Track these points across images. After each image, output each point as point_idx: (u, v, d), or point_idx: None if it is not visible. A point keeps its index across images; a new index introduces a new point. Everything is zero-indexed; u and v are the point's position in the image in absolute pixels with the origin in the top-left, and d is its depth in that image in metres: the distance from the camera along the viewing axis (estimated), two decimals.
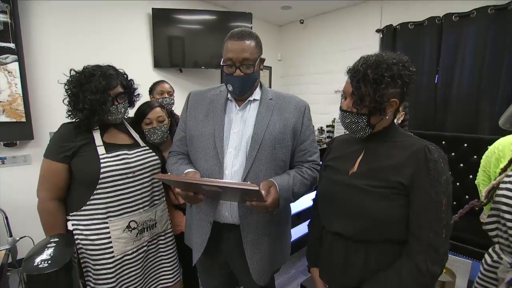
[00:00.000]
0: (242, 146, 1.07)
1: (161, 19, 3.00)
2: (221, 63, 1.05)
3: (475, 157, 2.32)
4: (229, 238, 1.10)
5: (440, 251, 0.72)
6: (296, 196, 1.08)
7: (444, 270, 1.37)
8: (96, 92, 1.09)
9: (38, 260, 0.84)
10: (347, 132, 0.89)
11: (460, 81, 2.76)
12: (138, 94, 1.34)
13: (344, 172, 0.89)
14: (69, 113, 1.12)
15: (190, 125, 1.14)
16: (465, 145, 2.39)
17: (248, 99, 1.12)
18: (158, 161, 1.27)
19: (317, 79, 4.02)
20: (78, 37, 2.56)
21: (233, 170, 1.06)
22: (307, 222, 1.17)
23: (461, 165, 2.39)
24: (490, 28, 2.58)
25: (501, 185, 0.85)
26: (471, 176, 2.33)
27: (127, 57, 2.88)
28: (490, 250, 0.96)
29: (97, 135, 1.14)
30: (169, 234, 1.35)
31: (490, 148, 0.94)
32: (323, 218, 0.96)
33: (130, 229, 1.14)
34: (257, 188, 0.79)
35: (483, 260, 0.97)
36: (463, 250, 1.95)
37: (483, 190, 0.89)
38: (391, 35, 3.18)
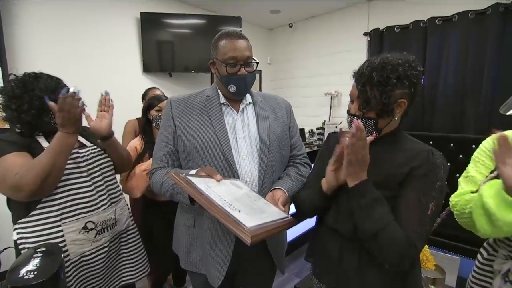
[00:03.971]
0: (254, 151, 1.05)
1: (149, 23, 2.98)
2: (223, 64, 0.99)
3: (461, 156, 2.38)
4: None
5: (418, 247, 0.73)
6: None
7: (434, 267, 1.40)
8: (45, 90, 1.04)
9: (23, 271, 0.81)
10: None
11: (446, 82, 2.83)
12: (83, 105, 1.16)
13: None
14: (9, 118, 1.05)
15: (184, 136, 1.03)
16: (452, 145, 2.45)
17: (245, 102, 1.11)
18: (109, 159, 1.24)
19: (307, 82, 4.06)
20: (65, 43, 2.52)
21: (252, 178, 1.04)
22: (298, 225, 1.17)
23: (448, 164, 2.44)
24: (471, 32, 2.66)
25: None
26: (457, 175, 2.38)
27: (116, 62, 2.85)
28: (485, 244, 0.98)
29: (41, 139, 1.09)
30: (131, 232, 1.32)
31: (489, 142, 0.94)
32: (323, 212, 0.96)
33: (87, 230, 1.09)
34: (289, 217, 0.81)
35: (478, 255, 0.99)
36: (452, 247, 1.99)
37: (481, 182, 0.90)
38: (378, 38, 3.24)
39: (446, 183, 0.77)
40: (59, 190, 1.05)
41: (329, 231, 0.91)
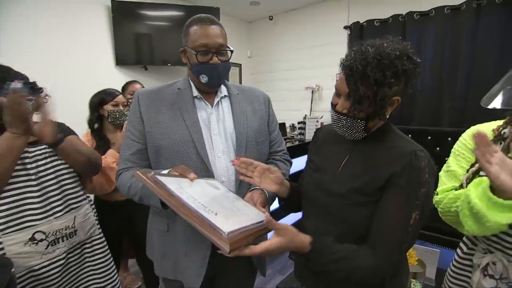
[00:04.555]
0: (230, 149, 0.98)
1: (121, 12, 2.80)
2: (193, 51, 0.91)
3: (438, 149, 2.43)
4: None
5: (391, 263, 0.69)
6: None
7: (416, 262, 1.41)
8: None
9: None
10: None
11: (424, 76, 2.87)
12: (46, 95, 1.09)
13: (328, 172, 0.83)
14: None
15: (154, 133, 0.94)
16: (429, 137, 2.50)
17: (220, 95, 1.03)
18: (63, 160, 1.10)
19: (288, 75, 4.02)
20: (27, 33, 2.29)
21: (229, 178, 0.97)
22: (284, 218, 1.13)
23: None
24: (447, 27, 2.70)
25: (482, 172, 0.84)
26: (436, 168, 2.45)
27: (85, 53, 2.65)
28: (464, 238, 0.97)
29: None
30: (97, 241, 1.19)
31: (469, 134, 0.93)
32: (303, 213, 0.91)
33: (36, 241, 0.97)
34: (266, 219, 0.74)
35: (458, 249, 0.98)
36: (431, 238, 2.03)
37: (462, 177, 0.88)
38: (358, 32, 3.24)
39: (433, 187, 0.72)
40: (1, 196, 0.92)
41: (309, 234, 0.85)
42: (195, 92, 1.01)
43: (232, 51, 1.00)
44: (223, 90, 1.06)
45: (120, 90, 2.14)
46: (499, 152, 0.65)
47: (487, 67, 2.50)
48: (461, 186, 0.87)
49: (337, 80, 0.78)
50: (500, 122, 0.90)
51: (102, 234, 1.23)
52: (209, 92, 1.02)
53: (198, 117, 0.97)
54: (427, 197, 0.69)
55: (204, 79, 0.95)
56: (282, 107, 4.06)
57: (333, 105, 0.78)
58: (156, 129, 0.95)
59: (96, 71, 2.74)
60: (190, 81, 1.03)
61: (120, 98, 1.64)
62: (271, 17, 4.01)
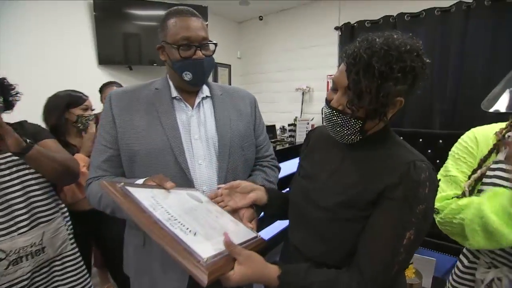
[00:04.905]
0: (212, 155, 0.90)
1: (104, 10, 2.68)
2: (174, 46, 0.83)
3: (429, 151, 2.41)
4: None
5: (380, 285, 0.60)
6: None
7: (414, 274, 1.35)
8: None
9: None
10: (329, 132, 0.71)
11: None
12: (17, 93, 1.02)
13: (317, 180, 0.75)
14: None
15: (127, 138, 0.85)
16: (421, 140, 2.48)
17: (201, 96, 0.95)
18: (32, 169, 1.00)
19: (278, 77, 3.96)
20: (6, 31, 2.15)
21: (210, 187, 0.88)
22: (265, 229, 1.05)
23: None
24: (437, 29, 2.70)
25: (485, 180, 0.80)
26: None
27: (67, 51, 2.52)
28: (464, 250, 0.91)
29: None
30: (69, 257, 1.09)
31: (470, 137, 0.87)
32: (289, 223, 0.82)
33: None
34: (258, 237, 0.68)
35: (458, 262, 0.92)
36: (425, 243, 1.99)
37: (464, 184, 0.82)
38: (349, 33, 3.21)
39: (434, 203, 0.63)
40: None
41: (295, 249, 0.75)
42: (174, 93, 0.92)
43: (216, 45, 0.92)
44: (205, 90, 0.98)
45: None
46: None
47: (476, 70, 2.50)
48: (463, 194, 0.81)
49: (332, 77, 0.70)
50: (502, 125, 0.85)
51: (76, 250, 1.12)
52: (190, 92, 0.94)
53: (177, 120, 0.89)
54: (426, 215, 0.59)
55: (187, 76, 0.87)
56: (272, 109, 4.00)
57: (328, 101, 0.68)
58: (130, 134, 0.85)
59: (78, 70, 2.62)
60: (169, 80, 0.94)
61: (89, 102, 1.54)
62: (261, 17, 3.95)
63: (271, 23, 3.93)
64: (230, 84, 4.22)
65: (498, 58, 2.40)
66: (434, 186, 0.61)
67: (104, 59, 2.77)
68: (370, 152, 0.68)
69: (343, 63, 0.63)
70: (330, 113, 0.67)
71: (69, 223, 1.13)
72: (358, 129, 0.65)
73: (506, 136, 0.81)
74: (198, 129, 0.91)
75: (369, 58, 0.57)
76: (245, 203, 0.78)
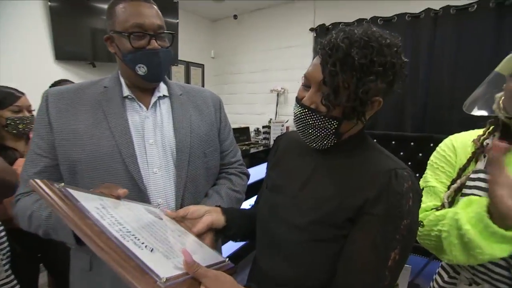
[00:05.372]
0: (169, 162, 0.79)
1: (63, 1, 2.44)
2: (125, 35, 0.72)
3: (401, 153, 2.44)
4: None
5: None
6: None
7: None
8: None
9: None
10: (300, 135, 0.63)
11: None
12: None
13: (286, 194, 0.66)
14: None
15: (67, 145, 0.73)
16: (393, 142, 2.51)
17: (157, 94, 0.83)
18: None
19: (252, 77, 3.88)
20: None
21: (167, 200, 0.76)
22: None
23: None
24: (408, 34, 2.74)
25: (466, 190, 0.75)
26: None
27: (17, 46, 2.26)
28: (444, 264, 0.87)
29: None
30: (5, 285, 0.95)
31: (448, 145, 0.84)
32: (257, 245, 0.72)
33: None
34: (226, 262, 0.58)
35: (437, 276, 0.88)
36: None
37: (443, 195, 0.78)
38: (324, 34, 3.16)
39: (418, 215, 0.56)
40: None
41: (264, 275, 0.66)
42: (126, 91, 0.80)
43: (174, 36, 0.82)
44: (162, 88, 0.87)
45: None
46: (507, 173, 0.54)
47: (442, 75, 2.58)
48: (442, 206, 0.76)
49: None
50: (480, 131, 0.82)
51: (11, 277, 0.96)
52: (144, 90, 0.83)
53: (129, 122, 0.77)
54: (411, 230, 0.52)
55: (141, 70, 0.76)
56: (246, 110, 3.92)
57: (299, 99, 0.60)
58: (70, 139, 0.73)
59: (33, 66, 2.36)
60: (120, 77, 0.83)
61: (24, 100, 1.30)
62: (235, 16, 3.85)
63: (246, 22, 3.85)
64: (203, 84, 4.07)
65: (461, 65, 2.48)
66: (418, 196, 0.54)
67: (62, 55, 2.52)
68: (346, 160, 0.61)
69: (318, 55, 0.56)
70: (301, 112, 0.58)
71: (5, 245, 0.96)
72: (333, 131, 0.57)
73: (485, 143, 0.77)
74: (153, 132, 0.80)
75: (348, 48, 0.50)
76: (201, 229, 0.66)
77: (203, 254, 0.59)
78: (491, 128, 0.79)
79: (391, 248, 0.51)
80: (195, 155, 0.83)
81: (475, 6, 2.39)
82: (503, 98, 0.74)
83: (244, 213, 0.77)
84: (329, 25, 3.16)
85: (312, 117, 0.57)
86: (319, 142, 0.60)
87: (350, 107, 0.53)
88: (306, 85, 0.59)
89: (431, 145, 2.36)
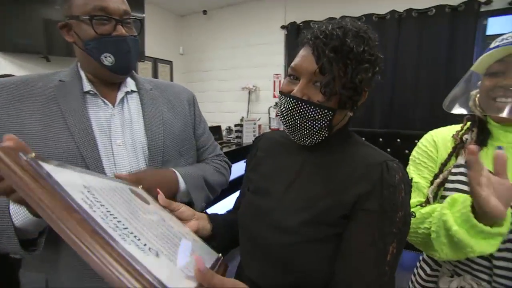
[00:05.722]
0: (140, 164, 0.71)
1: None
2: (86, 20, 0.63)
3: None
4: None
5: None
6: (212, 189, 0.83)
7: None
8: None
9: None
10: (288, 132, 0.59)
11: None
12: None
13: (272, 196, 0.62)
14: None
15: None
16: (363, 138, 2.57)
17: (124, 89, 0.75)
18: None
19: (223, 75, 3.80)
20: None
21: None
22: None
23: None
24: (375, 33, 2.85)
25: (448, 185, 0.76)
26: None
27: None
28: (426, 258, 0.88)
29: None
30: None
31: (429, 140, 0.85)
32: (241, 252, 0.67)
33: None
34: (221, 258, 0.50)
35: (419, 270, 0.88)
36: None
37: (427, 190, 0.78)
38: (295, 32, 3.22)
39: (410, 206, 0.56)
40: None
41: (252, 285, 0.60)
42: (87, 86, 0.70)
43: (141, 23, 0.75)
44: (129, 83, 0.78)
45: None
46: (486, 171, 0.55)
47: (406, 74, 2.71)
48: (427, 201, 0.76)
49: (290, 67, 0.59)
50: (457, 127, 0.84)
51: None
52: (109, 85, 0.74)
53: (91, 120, 0.68)
54: (405, 222, 0.52)
55: (108, 59, 0.67)
56: (216, 108, 3.83)
57: (285, 93, 0.57)
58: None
59: None
60: (80, 70, 0.73)
61: None
62: (205, 12, 3.74)
63: (216, 18, 3.75)
64: (171, 82, 3.91)
65: (423, 63, 2.64)
66: (409, 187, 0.54)
67: (8, 46, 2.26)
68: (334, 156, 0.59)
69: (306, 47, 0.55)
70: (293, 105, 0.54)
71: None
72: (328, 123, 0.55)
73: (464, 138, 0.79)
74: (122, 132, 0.71)
75: (344, 36, 0.51)
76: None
77: (201, 252, 0.52)
78: (468, 124, 0.81)
79: (389, 242, 0.51)
80: (170, 155, 0.76)
81: (434, 11, 2.58)
82: (478, 95, 0.77)
83: (228, 220, 0.72)
84: (300, 23, 3.18)
85: (307, 108, 0.54)
86: (312, 137, 0.57)
87: (346, 95, 0.52)
88: (295, 78, 0.57)
89: (398, 140, 2.47)
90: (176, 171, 0.75)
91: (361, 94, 0.55)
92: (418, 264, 0.91)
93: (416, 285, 0.87)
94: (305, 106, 0.54)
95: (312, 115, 0.54)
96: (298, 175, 0.61)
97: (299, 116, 0.55)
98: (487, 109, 0.72)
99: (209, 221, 0.66)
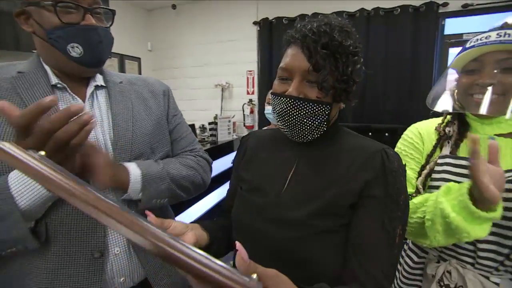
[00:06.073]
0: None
1: None
2: (48, 6, 0.57)
3: None
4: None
5: None
6: (181, 185, 0.74)
7: None
8: None
9: None
10: (285, 131, 0.60)
11: None
12: None
13: (271, 194, 0.61)
14: None
15: None
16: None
17: (93, 84, 0.68)
18: None
19: (195, 72, 3.69)
20: None
21: None
22: None
23: None
24: None
25: (435, 175, 0.79)
26: None
27: None
28: (411, 246, 0.90)
29: None
30: None
31: (414, 133, 0.87)
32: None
33: None
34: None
35: (406, 259, 0.90)
36: None
37: (416, 181, 0.80)
38: (267, 28, 3.21)
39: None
40: None
41: None
42: (54, 79, 0.63)
43: (114, 14, 0.68)
44: (98, 77, 0.71)
45: None
46: (482, 158, 0.58)
47: (376, 68, 2.82)
48: (417, 192, 0.78)
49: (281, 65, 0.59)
50: (438, 120, 0.87)
51: None
52: (78, 79, 0.67)
53: None
54: (407, 204, 0.56)
55: (76, 50, 0.60)
56: (189, 106, 3.72)
57: (280, 94, 0.57)
58: None
59: None
60: (43, 62, 0.65)
61: None
62: (174, 6, 3.60)
63: (186, 13, 3.63)
64: None
65: (390, 59, 2.77)
66: (405, 172, 0.58)
67: None
68: (330, 148, 0.61)
69: (294, 46, 0.56)
70: (291, 105, 0.55)
71: None
72: (326, 117, 0.56)
73: (447, 130, 0.82)
74: (93, 130, 0.64)
75: (332, 32, 0.53)
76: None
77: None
78: (448, 117, 0.85)
79: (397, 225, 0.53)
80: (140, 153, 0.70)
81: (399, 10, 2.72)
82: (456, 91, 0.81)
83: (221, 224, 0.71)
84: (272, 19, 3.18)
85: (305, 106, 0.55)
86: (312, 133, 0.58)
87: (340, 89, 0.54)
88: (287, 78, 0.58)
89: (370, 134, 2.55)
90: (126, 164, 0.67)
91: (353, 85, 0.57)
92: (403, 254, 0.92)
93: (404, 273, 0.89)
94: (303, 104, 0.55)
95: (311, 112, 0.55)
96: (295, 170, 0.61)
97: (298, 114, 0.56)
98: (465, 104, 0.76)
99: (203, 229, 0.64)
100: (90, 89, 0.67)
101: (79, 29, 0.59)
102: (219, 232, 0.68)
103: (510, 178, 0.67)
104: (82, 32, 0.60)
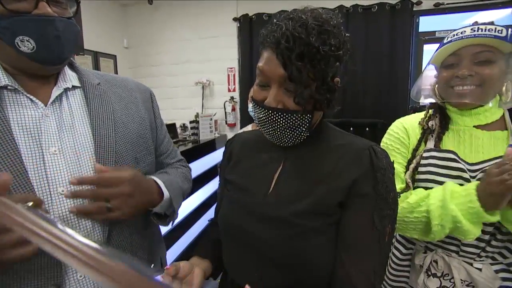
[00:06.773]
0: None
1: None
2: None
3: None
4: None
5: None
6: (183, 197, 0.78)
7: None
8: None
9: None
10: (268, 137, 0.59)
11: None
12: None
13: (258, 194, 0.59)
14: None
15: None
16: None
17: (62, 85, 0.61)
18: None
19: (174, 70, 3.59)
20: None
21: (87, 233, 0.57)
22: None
23: None
24: None
25: (421, 168, 0.81)
26: None
27: None
28: (399, 238, 0.92)
29: None
30: None
31: (400, 128, 0.89)
32: (228, 262, 0.63)
33: None
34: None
35: (394, 251, 0.92)
36: None
37: (405, 176, 0.81)
38: (247, 25, 3.18)
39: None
40: None
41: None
42: (3, 79, 0.54)
43: (78, 4, 0.60)
44: (71, 76, 0.64)
45: None
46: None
47: (356, 63, 2.87)
48: (407, 187, 0.80)
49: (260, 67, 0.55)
50: (421, 115, 0.90)
51: None
52: (38, 77, 0.59)
53: (12, 124, 0.53)
54: (395, 202, 0.55)
55: (26, 45, 0.51)
56: (169, 105, 3.62)
57: (259, 102, 0.54)
58: None
59: None
60: None
61: None
62: (150, 1, 3.48)
63: (163, 8, 3.52)
64: None
65: (369, 55, 2.84)
66: (393, 169, 0.57)
67: None
68: (318, 146, 0.60)
69: (268, 50, 0.52)
70: (270, 116, 0.53)
71: None
72: (307, 125, 0.55)
73: (430, 124, 0.85)
74: (57, 137, 0.57)
75: (308, 37, 0.47)
76: (199, 283, 0.57)
77: None
78: (430, 111, 0.87)
79: (386, 224, 0.53)
80: (124, 162, 0.64)
81: (376, 7, 2.80)
82: (437, 85, 0.84)
83: (214, 240, 0.70)
84: (252, 16, 3.15)
85: (284, 118, 0.53)
86: (293, 139, 0.57)
87: (321, 98, 0.51)
88: (264, 85, 0.54)
89: (351, 129, 2.59)
90: (155, 179, 0.68)
91: (335, 92, 0.53)
92: (391, 246, 0.94)
93: (393, 265, 0.90)
94: (281, 115, 0.52)
95: (291, 123, 0.53)
96: (282, 170, 0.60)
97: (279, 124, 0.53)
98: (447, 96, 0.79)
99: (203, 258, 0.64)
100: (56, 91, 0.59)
101: (30, 20, 0.51)
102: (215, 251, 0.67)
103: (488, 168, 0.70)
104: (34, 24, 0.51)
